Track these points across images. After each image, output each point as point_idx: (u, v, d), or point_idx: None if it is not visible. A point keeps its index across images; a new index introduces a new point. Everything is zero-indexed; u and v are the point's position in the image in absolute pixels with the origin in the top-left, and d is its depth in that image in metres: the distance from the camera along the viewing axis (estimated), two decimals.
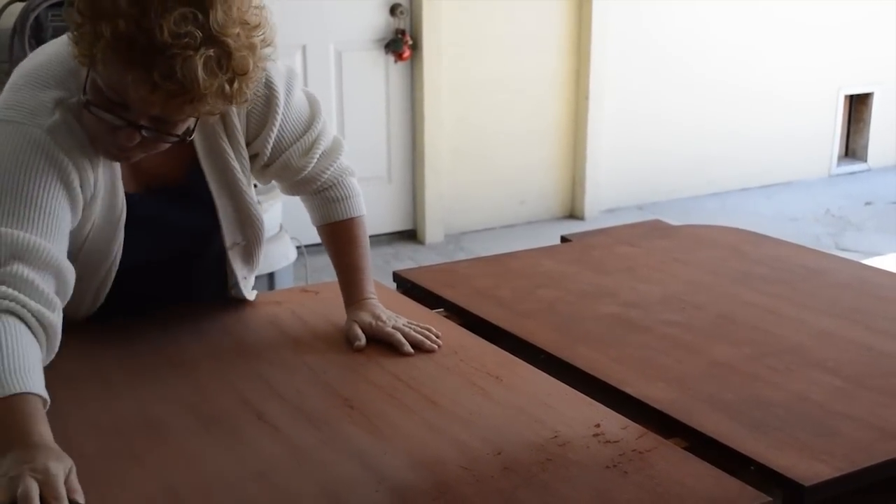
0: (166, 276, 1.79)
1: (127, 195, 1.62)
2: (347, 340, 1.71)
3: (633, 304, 1.94)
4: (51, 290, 1.41)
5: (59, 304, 1.42)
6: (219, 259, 1.81)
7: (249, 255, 1.83)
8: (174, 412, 1.46)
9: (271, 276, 3.88)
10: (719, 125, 6.39)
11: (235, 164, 1.69)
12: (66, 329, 1.70)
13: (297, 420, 1.44)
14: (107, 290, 1.69)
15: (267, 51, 1.42)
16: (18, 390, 1.24)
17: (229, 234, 1.76)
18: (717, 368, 1.63)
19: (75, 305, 1.48)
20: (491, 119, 5.64)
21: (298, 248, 4.19)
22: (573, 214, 6.01)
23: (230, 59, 1.34)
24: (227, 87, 1.36)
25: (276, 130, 1.69)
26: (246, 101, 1.45)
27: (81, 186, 1.50)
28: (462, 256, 5.18)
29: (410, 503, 1.21)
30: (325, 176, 1.79)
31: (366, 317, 1.73)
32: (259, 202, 2.00)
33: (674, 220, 2.70)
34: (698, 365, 1.64)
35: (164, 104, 1.35)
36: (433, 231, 5.54)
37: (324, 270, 4.65)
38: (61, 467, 1.18)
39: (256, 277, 2.02)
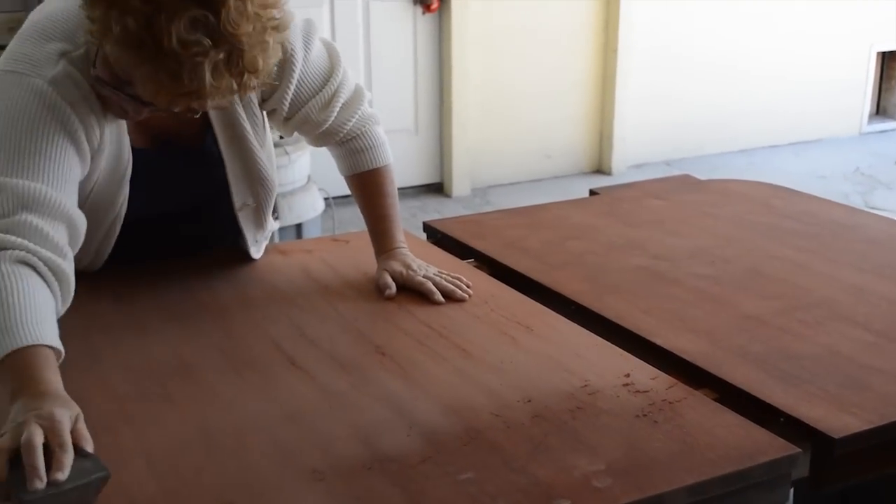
0: (177, 233, 1.80)
1: (135, 150, 1.61)
2: (378, 289, 1.72)
3: (662, 257, 1.93)
4: (62, 239, 1.40)
5: (71, 253, 1.41)
6: (230, 220, 1.79)
7: (260, 218, 1.82)
8: (207, 356, 1.48)
9: (299, 226, 3.90)
10: (749, 81, 6.32)
11: (247, 124, 1.68)
12: (101, 273, 1.74)
13: (329, 366, 1.45)
14: (111, 244, 1.69)
15: (280, 37, 1.38)
16: (31, 342, 1.23)
17: (238, 195, 1.75)
18: (747, 321, 1.63)
19: (77, 258, 1.45)
20: (518, 72, 5.61)
21: (326, 199, 4.20)
22: (600, 169, 5.98)
23: (241, 59, 1.31)
24: (234, 85, 1.33)
25: (292, 88, 1.67)
26: (255, 89, 1.41)
27: (87, 139, 1.48)
28: (488, 209, 5.17)
29: (441, 447, 1.22)
30: (348, 126, 1.77)
31: (397, 266, 1.74)
32: (286, 153, 2.01)
33: (702, 177, 2.68)
34: (728, 317, 1.64)
35: (169, 101, 1.33)
36: (460, 184, 5.53)
37: (351, 222, 4.66)
38: (67, 414, 1.16)
39: (283, 229, 2.05)
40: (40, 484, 1.07)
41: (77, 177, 1.47)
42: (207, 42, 1.27)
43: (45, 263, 1.34)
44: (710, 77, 6.19)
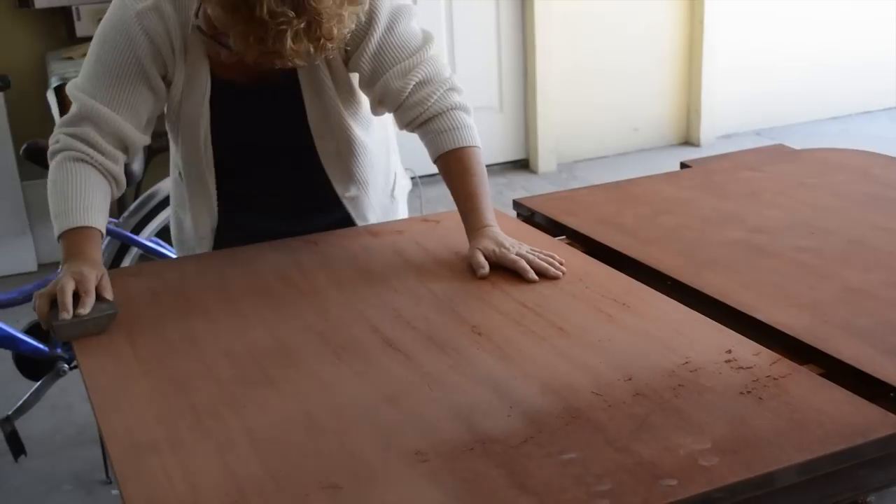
0: (269, 165, 1.90)
1: (227, 82, 1.80)
2: (471, 268, 1.72)
3: (760, 230, 1.89)
4: (115, 149, 1.75)
5: (123, 158, 1.77)
6: (317, 165, 1.90)
7: (346, 168, 1.90)
8: (305, 340, 1.49)
9: None
10: (840, 45, 6.15)
11: (327, 79, 1.81)
12: (194, 258, 1.79)
13: (426, 346, 1.45)
14: (211, 166, 1.86)
15: (354, 9, 1.58)
16: (80, 224, 1.66)
17: (319, 140, 1.86)
18: (852, 294, 1.58)
19: (188, 184, 1.88)
20: (602, 45, 5.54)
21: (413, 178, 4.20)
22: (688, 141, 5.89)
23: (319, 28, 1.52)
24: (311, 49, 1.54)
25: (370, 50, 1.78)
26: (331, 51, 1.60)
27: (159, 68, 1.75)
28: (575, 185, 5.14)
29: (543, 427, 1.21)
30: (430, 104, 1.81)
31: (489, 244, 1.73)
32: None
33: (794, 146, 2.62)
34: (831, 291, 1.60)
35: (255, 56, 1.55)
36: (546, 160, 5.50)
37: (439, 201, 4.66)
38: (94, 272, 1.59)
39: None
40: (66, 315, 1.52)
41: (144, 100, 1.76)
42: (291, 13, 1.49)
43: (100, 164, 1.73)
44: (801, 42, 6.04)
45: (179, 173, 1.94)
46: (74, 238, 1.66)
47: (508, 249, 1.72)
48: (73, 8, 4.10)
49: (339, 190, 1.93)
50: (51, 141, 1.77)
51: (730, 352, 1.39)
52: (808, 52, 6.09)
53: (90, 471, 2.85)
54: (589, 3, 5.44)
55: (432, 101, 1.81)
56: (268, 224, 1.94)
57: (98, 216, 1.69)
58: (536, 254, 1.73)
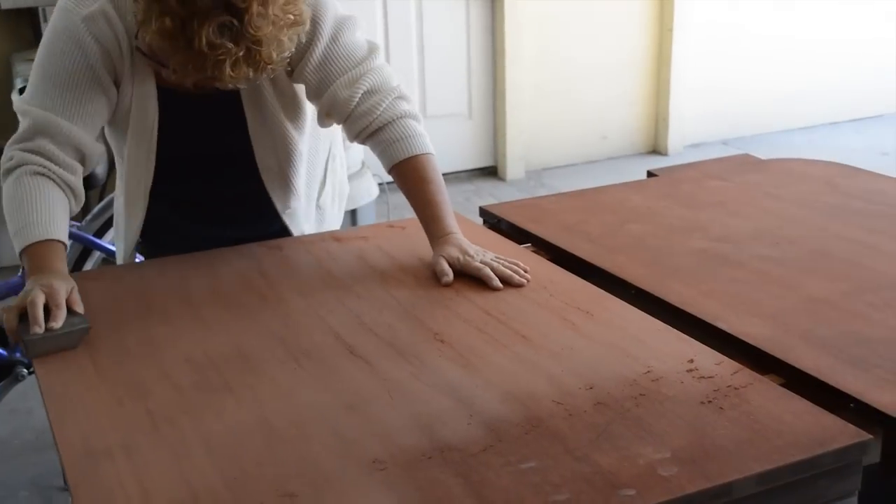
0: (211, 179, 1.88)
1: (165, 87, 1.76)
2: (435, 276, 1.71)
3: (725, 239, 1.90)
4: (72, 160, 1.71)
5: (81, 171, 1.74)
6: (257, 179, 1.88)
7: (286, 183, 1.90)
8: (266, 346, 1.48)
9: (353, 212, 3.91)
10: (808, 57, 6.21)
11: (268, 93, 1.80)
12: (157, 263, 1.77)
13: (388, 354, 1.44)
14: (150, 176, 1.83)
15: (294, 32, 1.57)
16: (44, 237, 1.61)
17: (259, 149, 1.85)
18: (814, 304, 1.59)
19: (129, 190, 1.84)
20: (573, 53, 5.57)
21: (381, 185, 4.20)
22: (656, 150, 5.92)
23: (259, 55, 1.52)
24: (251, 74, 1.54)
25: (315, 61, 1.77)
26: (270, 73, 1.61)
27: (111, 73, 1.72)
28: (543, 192, 5.15)
29: (503, 435, 1.21)
30: (378, 113, 1.80)
31: (453, 251, 1.72)
32: (345, 143, 2.04)
33: (761, 156, 2.63)
34: (794, 300, 1.61)
35: (194, 81, 1.56)
36: (514, 167, 5.51)
37: (406, 207, 4.63)
38: (64, 285, 1.56)
39: None
40: (38, 329, 1.48)
41: (99, 107, 1.73)
42: (230, 44, 1.49)
43: (58, 177, 1.69)
44: (769, 54, 6.10)
45: (120, 185, 1.92)
46: (39, 252, 1.61)
47: (473, 257, 1.71)
48: (40, 9, 4.07)
49: (279, 206, 1.92)
50: (3, 159, 1.71)
51: (692, 361, 1.39)
52: (776, 64, 6.14)
53: (48, 477, 2.82)
54: (559, 10, 5.45)
55: (381, 109, 1.80)
56: (203, 229, 1.93)
57: (61, 228, 1.65)
58: (501, 261, 1.72)
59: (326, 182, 2.05)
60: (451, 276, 1.69)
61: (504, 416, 1.26)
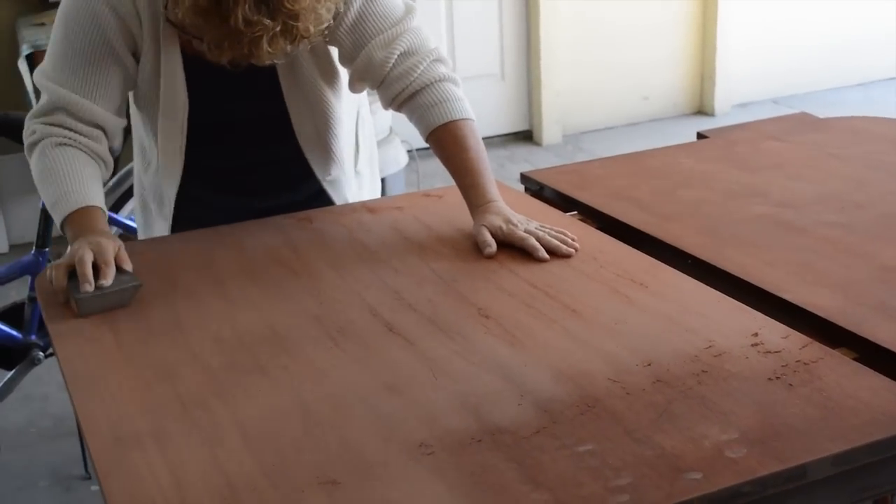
0: (243, 143, 1.90)
1: (191, 55, 1.76)
2: (477, 247, 1.70)
3: (787, 204, 1.88)
4: (94, 133, 1.75)
5: (105, 139, 1.78)
6: (296, 146, 1.90)
7: (324, 146, 1.90)
8: (299, 324, 1.48)
9: (382, 181, 3.89)
10: (863, 8, 6.11)
11: (305, 60, 1.81)
12: (178, 238, 1.81)
13: (430, 331, 1.44)
14: (183, 149, 1.85)
15: (331, 4, 1.60)
16: (83, 204, 1.67)
17: (295, 115, 1.86)
18: (887, 273, 1.57)
19: (164, 162, 1.85)
20: (611, 7, 5.51)
21: (410, 152, 4.19)
22: (702, 110, 5.87)
23: (296, 29, 1.54)
24: (288, 47, 1.57)
25: (349, 21, 1.77)
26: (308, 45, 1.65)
27: (130, 47, 1.74)
28: (582, 158, 5.12)
29: (557, 417, 1.20)
30: (415, 76, 1.80)
31: (496, 220, 1.71)
32: (372, 108, 2.05)
33: (816, 114, 2.60)
34: (864, 269, 1.58)
35: (229, 58, 1.58)
36: (550, 131, 5.47)
37: (436, 175, 4.64)
38: (111, 244, 1.61)
39: None
40: (89, 287, 1.53)
41: (117, 82, 1.76)
42: (267, 21, 1.50)
43: (84, 144, 1.74)
44: (821, 6, 6.01)
45: (144, 156, 1.95)
46: (79, 218, 1.66)
47: (516, 226, 1.70)
48: None
49: (319, 174, 1.93)
50: (25, 134, 1.76)
51: (756, 335, 1.37)
52: (829, 16, 6.05)
53: (68, 465, 2.84)
54: None
55: (418, 72, 1.80)
56: (236, 201, 1.94)
57: (97, 195, 1.70)
58: (546, 230, 1.71)
59: (360, 146, 2.05)
60: (494, 246, 1.68)
61: (557, 396, 1.25)
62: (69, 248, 1.62)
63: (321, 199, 1.97)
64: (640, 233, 1.80)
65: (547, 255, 1.65)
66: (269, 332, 1.46)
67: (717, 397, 1.23)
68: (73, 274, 1.56)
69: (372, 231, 1.81)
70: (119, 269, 1.58)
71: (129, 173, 2.96)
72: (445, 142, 1.80)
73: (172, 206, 1.91)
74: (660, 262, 1.64)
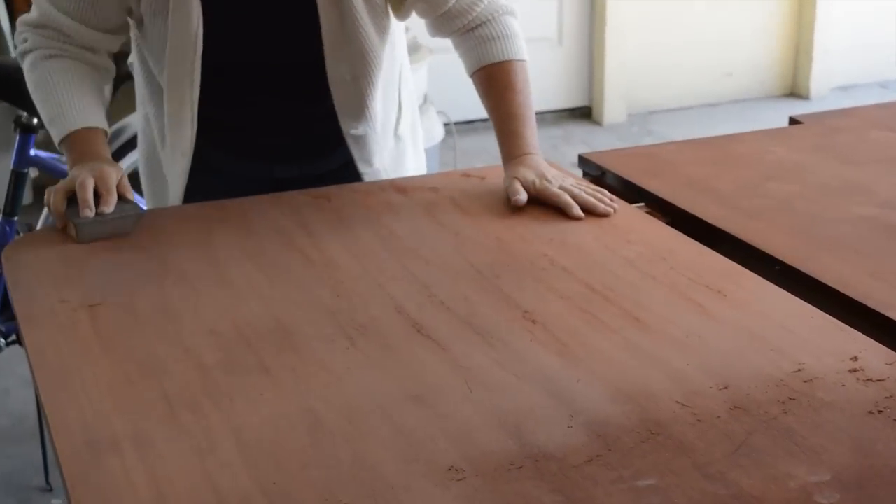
0: (265, 90, 1.92)
1: None
2: (525, 239, 1.72)
3: None
4: (86, 50, 1.87)
5: (103, 52, 1.91)
6: (324, 91, 1.91)
7: (357, 95, 1.91)
8: (311, 319, 1.48)
9: None
10: None
11: None
12: (172, 211, 1.83)
13: (465, 335, 1.44)
14: (196, 85, 1.87)
15: None
16: (82, 125, 1.81)
17: (331, 57, 1.87)
18: None
19: (171, 111, 1.89)
20: None
21: (447, 125, 4.19)
22: (795, 92, 5.87)
23: None
24: None
25: None
26: None
27: None
28: (650, 142, 5.11)
29: (613, 443, 1.19)
30: (478, 10, 1.89)
31: (529, 174, 1.81)
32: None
33: None
34: None
35: None
36: (613, 108, 5.48)
37: (476, 155, 4.66)
38: (114, 171, 1.76)
39: None
40: (89, 213, 1.68)
41: (112, 9, 1.84)
42: None
43: (77, 55, 1.86)
44: None
45: (150, 110, 1.98)
46: (80, 139, 1.81)
47: (551, 182, 1.79)
48: None
49: (344, 125, 1.94)
50: (18, 40, 1.89)
51: (855, 359, 1.36)
52: None
53: (26, 474, 2.86)
54: None
55: (482, 6, 1.89)
56: (253, 167, 1.97)
57: (96, 114, 1.85)
58: (583, 188, 1.80)
59: (403, 107, 2.07)
60: (524, 195, 1.77)
61: (614, 419, 1.24)
62: (69, 171, 1.77)
63: (349, 172, 1.99)
64: (720, 231, 1.80)
65: (582, 213, 1.76)
66: (274, 325, 1.46)
67: (807, 431, 1.22)
68: (72, 199, 1.70)
69: (401, 214, 1.83)
70: (121, 198, 1.73)
71: (120, 132, 2.99)
72: (495, 80, 1.90)
73: (185, 170, 1.93)
74: (742, 267, 1.64)
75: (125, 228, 1.70)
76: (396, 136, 2.06)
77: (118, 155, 2.98)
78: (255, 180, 1.93)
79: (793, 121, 2.46)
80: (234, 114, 1.92)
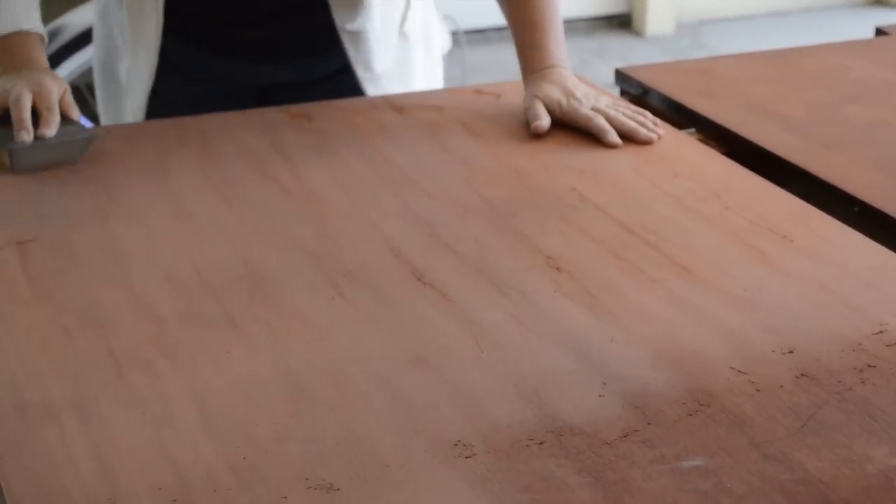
0: None
1: None
2: (550, 170, 1.72)
3: None
4: None
5: None
6: None
7: None
8: (289, 263, 1.49)
9: None
10: None
11: None
12: (121, 130, 1.85)
13: (476, 284, 1.45)
14: None
15: None
16: (15, 28, 1.79)
17: None
18: None
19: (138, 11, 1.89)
20: None
21: (454, 33, 4.18)
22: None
23: None
24: None
25: None
26: None
27: None
28: (701, 56, 5.10)
29: (654, 416, 1.20)
30: None
31: (554, 92, 1.79)
32: None
33: None
34: None
35: None
36: (658, 17, 5.47)
37: (487, 70, 4.65)
38: (56, 85, 1.75)
39: None
40: (27, 136, 1.67)
41: None
42: None
43: None
44: None
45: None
46: (11, 46, 1.80)
47: (580, 101, 1.78)
48: None
49: (338, 18, 1.94)
50: None
51: None
52: None
53: None
54: None
55: None
56: (232, 70, 1.98)
57: (32, 15, 1.84)
58: (620, 110, 1.79)
59: (411, 2, 2.07)
60: (545, 120, 1.77)
61: (655, 388, 1.25)
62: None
63: (347, 80, 1.99)
64: (788, 164, 1.80)
65: (619, 140, 1.75)
66: (244, 270, 1.47)
67: (888, 404, 1.23)
68: (3, 120, 1.69)
69: (398, 137, 1.83)
70: (64, 118, 1.72)
71: (53, 35, 2.98)
72: None
73: (151, 71, 1.93)
74: (814, 208, 1.65)
75: (71, 156, 1.69)
76: (402, 34, 2.06)
77: (54, 61, 2.98)
78: (234, 91, 1.93)
79: (879, 32, 2.46)
80: (207, 1, 1.91)
